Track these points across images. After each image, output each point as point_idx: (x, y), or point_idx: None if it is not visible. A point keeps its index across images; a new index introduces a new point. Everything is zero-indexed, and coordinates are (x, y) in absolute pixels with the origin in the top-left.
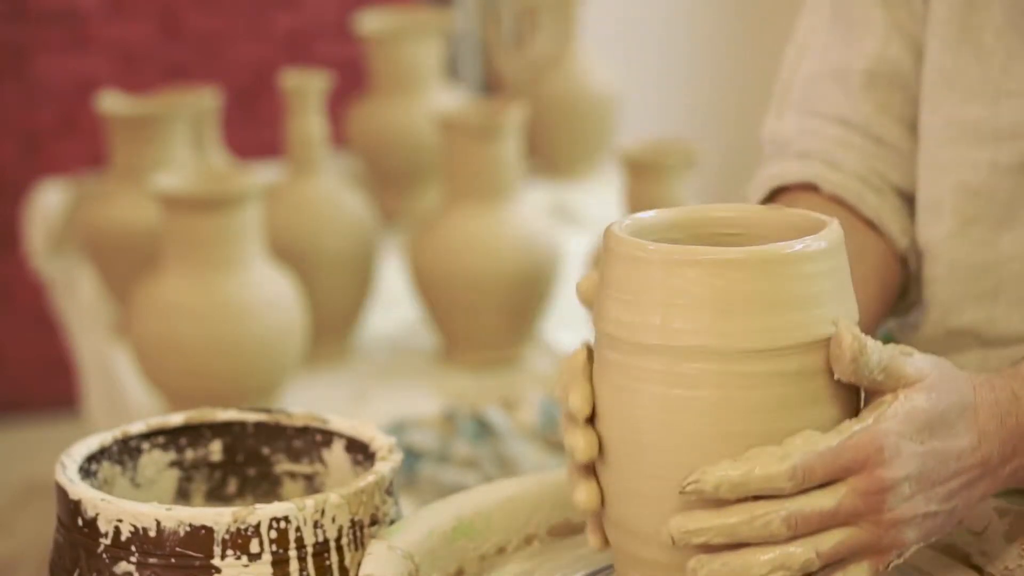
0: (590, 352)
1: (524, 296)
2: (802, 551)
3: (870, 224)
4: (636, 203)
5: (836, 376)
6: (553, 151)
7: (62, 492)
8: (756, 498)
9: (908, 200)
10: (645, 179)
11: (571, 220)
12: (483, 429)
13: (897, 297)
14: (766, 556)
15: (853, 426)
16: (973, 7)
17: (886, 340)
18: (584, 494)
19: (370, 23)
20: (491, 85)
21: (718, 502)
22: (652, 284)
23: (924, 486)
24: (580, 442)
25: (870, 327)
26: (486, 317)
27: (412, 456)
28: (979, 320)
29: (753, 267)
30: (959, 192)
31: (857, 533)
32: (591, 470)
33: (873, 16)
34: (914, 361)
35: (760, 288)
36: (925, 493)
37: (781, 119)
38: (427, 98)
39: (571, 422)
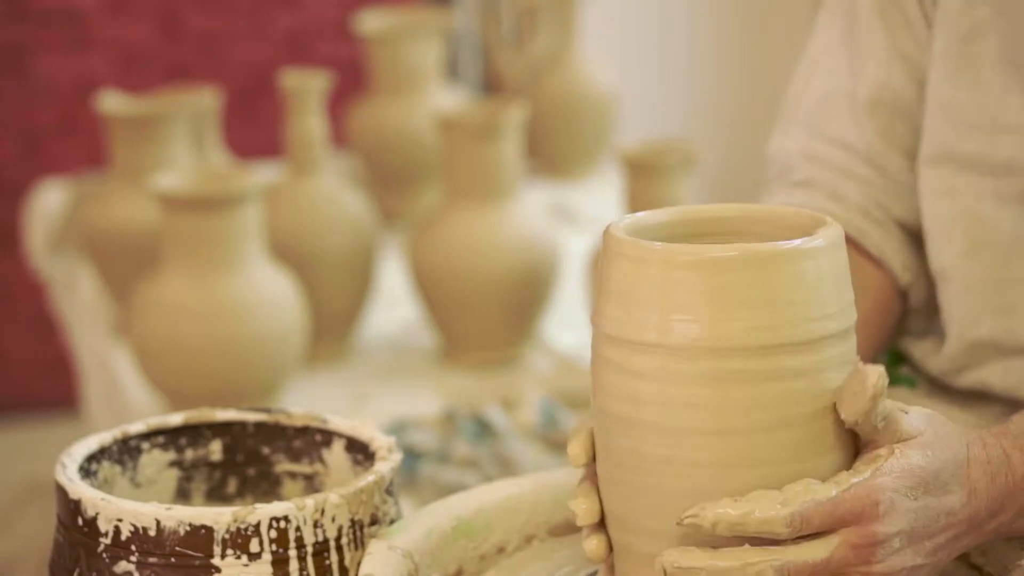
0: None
1: (524, 296)
2: None
3: (873, 259)
4: (636, 203)
5: (843, 417)
6: (553, 151)
7: (62, 492)
8: (752, 540)
9: (910, 232)
10: (645, 179)
11: (571, 220)
12: (483, 429)
13: (894, 334)
14: None
15: (851, 478)
16: (970, 39)
17: (892, 361)
18: (596, 543)
19: (370, 23)
20: (491, 85)
21: (714, 538)
22: (650, 283)
23: (914, 540)
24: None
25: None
26: (486, 317)
27: (412, 456)
28: (998, 331)
29: (751, 266)
30: (967, 218)
31: None
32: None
33: (877, 43)
34: (910, 419)
35: (758, 287)
36: (914, 547)
37: (787, 136)
38: (427, 98)
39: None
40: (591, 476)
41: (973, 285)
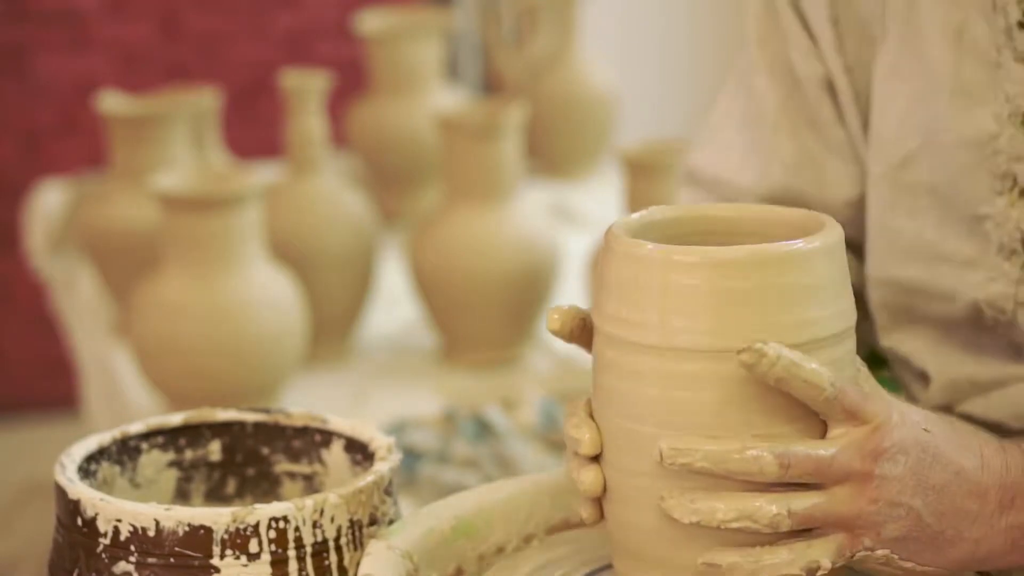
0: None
1: (524, 296)
2: (775, 508)
3: None
4: (636, 203)
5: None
6: (553, 151)
7: (61, 492)
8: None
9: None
10: (645, 179)
11: (571, 220)
12: (483, 429)
13: None
14: (735, 503)
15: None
16: (905, 167)
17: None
18: (593, 475)
19: (370, 23)
20: (491, 85)
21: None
22: (651, 283)
23: (918, 476)
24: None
25: None
26: (486, 317)
27: (412, 456)
28: (972, 369)
29: (752, 266)
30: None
31: (835, 501)
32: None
33: (783, 147)
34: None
35: (759, 287)
36: (917, 482)
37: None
38: (427, 98)
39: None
40: (585, 409)
41: (941, 346)
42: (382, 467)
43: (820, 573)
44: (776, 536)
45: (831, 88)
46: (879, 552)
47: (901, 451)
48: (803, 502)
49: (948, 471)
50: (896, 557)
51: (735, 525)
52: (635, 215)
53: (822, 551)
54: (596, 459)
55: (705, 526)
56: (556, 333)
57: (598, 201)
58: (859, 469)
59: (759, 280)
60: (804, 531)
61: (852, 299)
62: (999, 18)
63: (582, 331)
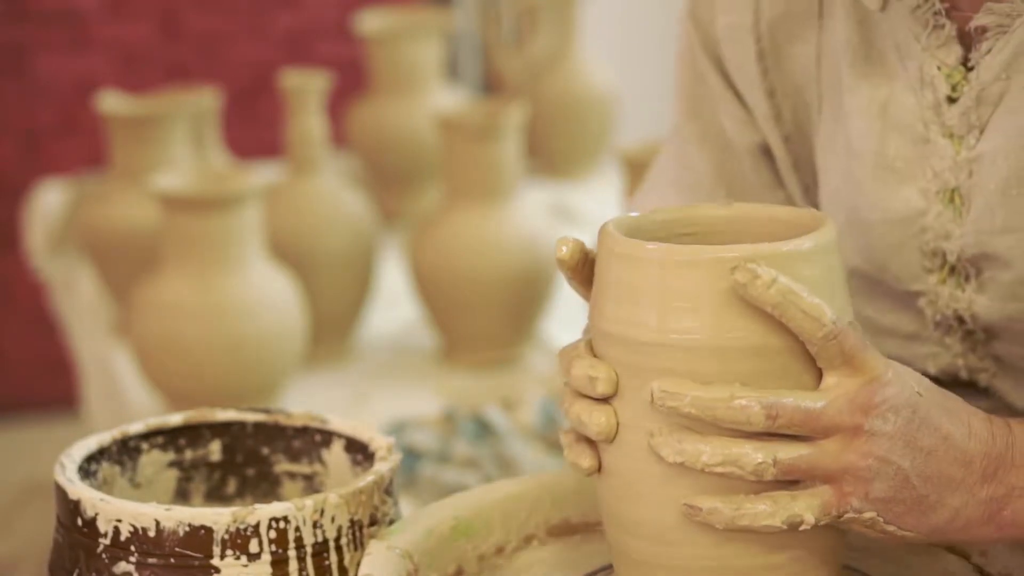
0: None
1: (524, 296)
2: (760, 455)
3: None
4: None
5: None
6: (553, 151)
7: (61, 492)
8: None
9: None
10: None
11: (571, 220)
12: (483, 429)
13: None
14: (721, 448)
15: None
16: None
17: None
18: (605, 416)
19: (370, 23)
20: (491, 85)
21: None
22: (649, 283)
23: (907, 436)
24: (602, 417)
25: None
26: (486, 317)
27: (412, 456)
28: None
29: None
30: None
31: (822, 454)
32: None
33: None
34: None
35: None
36: (906, 443)
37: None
38: (427, 98)
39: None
40: (589, 350)
41: None
42: (382, 467)
43: (803, 528)
44: (761, 486)
45: (768, 153)
46: (866, 515)
47: (892, 409)
48: (789, 452)
49: (936, 436)
50: (881, 520)
51: (719, 469)
52: (629, 215)
53: (806, 506)
54: (607, 401)
55: (689, 468)
56: (563, 262)
57: (598, 201)
58: (848, 423)
59: None
60: (790, 485)
61: (848, 297)
62: (927, 93)
63: (583, 266)
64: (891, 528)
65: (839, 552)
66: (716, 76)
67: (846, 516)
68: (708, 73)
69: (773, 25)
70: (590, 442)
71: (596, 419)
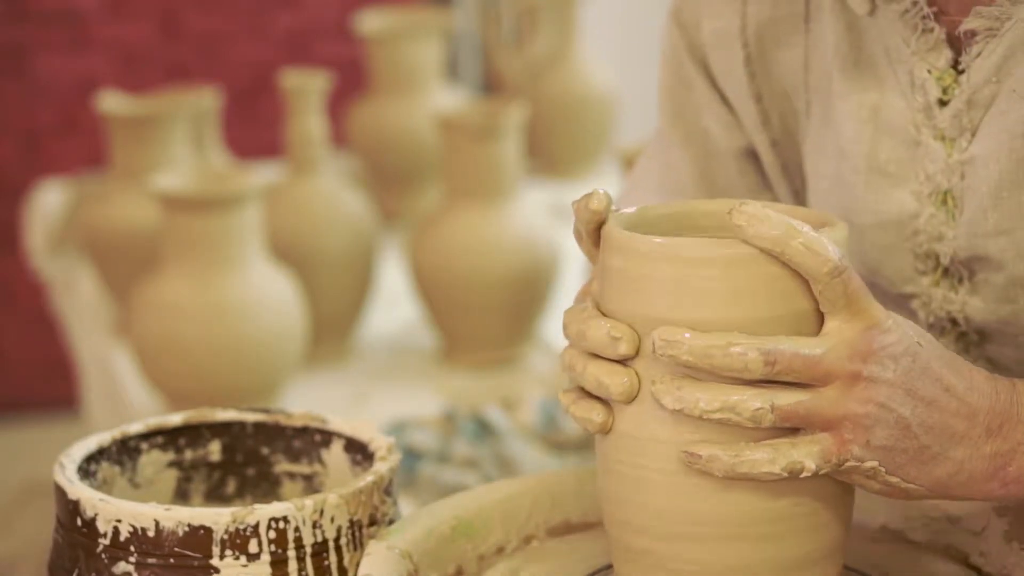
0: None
1: (524, 296)
2: (758, 401)
3: None
4: None
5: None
6: (553, 151)
7: (61, 492)
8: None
9: None
10: None
11: (571, 220)
12: (483, 429)
13: None
14: (719, 394)
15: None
16: None
17: None
18: (627, 376)
19: (370, 23)
20: (491, 85)
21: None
22: (657, 277)
23: (907, 385)
24: (622, 378)
25: None
26: (486, 317)
27: (412, 456)
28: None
29: (757, 262)
30: None
31: (821, 400)
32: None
33: None
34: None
35: (760, 283)
36: (906, 391)
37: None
38: (427, 98)
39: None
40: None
41: None
42: (382, 467)
43: (804, 475)
44: (761, 434)
45: (754, 157)
46: (867, 464)
47: (891, 357)
48: (788, 398)
49: (937, 386)
50: (883, 470)
51: (717, 416)
52: (627, 211)
53: (806, 452)
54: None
55: (688, 415)
56: (596, 213)
57: None
58: (847, 369)
59: (760, 276)
60: (790, 434)
61: None
62: (917, 96)
63: (597, 230)
64: (894, 480)
65: (846, 510)
66: (702, 80)
67: (847, 464)
68: (693, 77)
69: (760, 30)
70: (598, 398)
71: (618, 380)
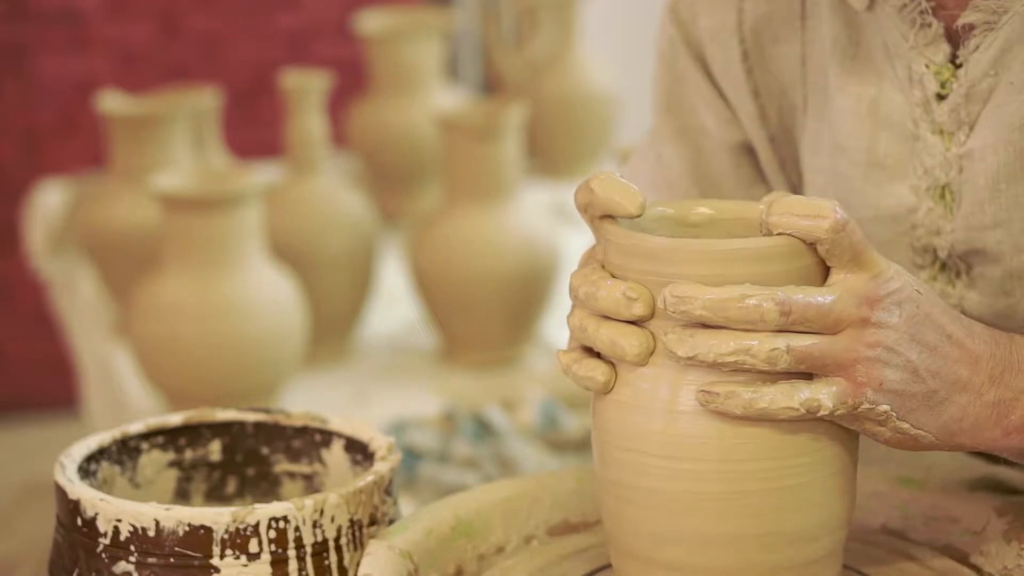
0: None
1: (524, 296)
2: (775, 343)
3: None
4: None
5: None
6: (553, 151)
7: (61, 492)
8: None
9: None
10: None
11: (571, 220)
12: (483, 429)
13: None
14: (733, 339)
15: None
16: None
17: None
18: (643, 336)
19: (370, 23)
20: (491, 85)
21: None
22: (660, 277)
23: (912, 331)
24: (637, 339)
25: None
26: (486, 317)
27: (412, 456)
28: None
29: (758, 260)
30: None
31: (834, 345)
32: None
33: None
34: None
35: (763, 281)
36: (912, 336)
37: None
38: (427, 98)
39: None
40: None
41: None
42: (382, 467)
43: (821, 413)
44: (776, 377)
45: (750, 151)
46: (880, 407)
47: (896, 303)
48: (802, 340)
49: (940, 333)
50: (895, 415)
51: (731, 359)
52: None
53: (824, 392)
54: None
55: (701, 361)
56: (629, 215)
57: None
58: (856, 315)
59: (760, 275)
60: (804, 377)
61: None
62: (916, 90)
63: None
64: (904, 425)
65: (848, 482)
66: (699, 75)
67: (862, 407)
68: (690, 71)
69: (756, 26)
70: (600, 357)
71: (633, 340)
